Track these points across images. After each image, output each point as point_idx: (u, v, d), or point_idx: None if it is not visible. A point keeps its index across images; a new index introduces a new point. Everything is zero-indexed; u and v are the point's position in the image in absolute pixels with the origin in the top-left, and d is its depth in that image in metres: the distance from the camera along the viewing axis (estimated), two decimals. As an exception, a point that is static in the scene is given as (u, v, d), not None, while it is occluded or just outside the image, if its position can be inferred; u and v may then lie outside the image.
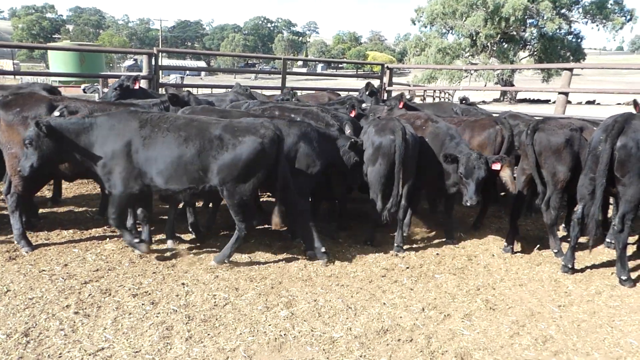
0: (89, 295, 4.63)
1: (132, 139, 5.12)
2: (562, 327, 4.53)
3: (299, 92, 13.25)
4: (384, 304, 4.82)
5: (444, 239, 6.80)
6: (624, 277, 5.45)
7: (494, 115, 8.56)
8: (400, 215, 6.26)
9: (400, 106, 8.04)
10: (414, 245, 6.54)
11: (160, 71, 11.09)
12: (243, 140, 5.16)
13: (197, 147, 5.11)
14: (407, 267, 5.79)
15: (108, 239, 6.14)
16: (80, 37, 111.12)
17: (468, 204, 5.82)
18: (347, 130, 6.86)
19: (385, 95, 12.93)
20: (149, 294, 4.74)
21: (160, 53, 10.34)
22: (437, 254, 6.29)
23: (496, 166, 5.90)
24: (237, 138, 5.16)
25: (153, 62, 9.57)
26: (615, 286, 5.46)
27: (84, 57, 33.69)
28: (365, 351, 3.98)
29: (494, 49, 49.56)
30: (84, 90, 27.06)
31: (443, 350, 4.04)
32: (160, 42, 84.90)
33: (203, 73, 77.73)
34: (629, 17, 49.53)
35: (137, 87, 7.96)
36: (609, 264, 6.10)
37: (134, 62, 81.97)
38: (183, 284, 5.02)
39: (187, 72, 67.85)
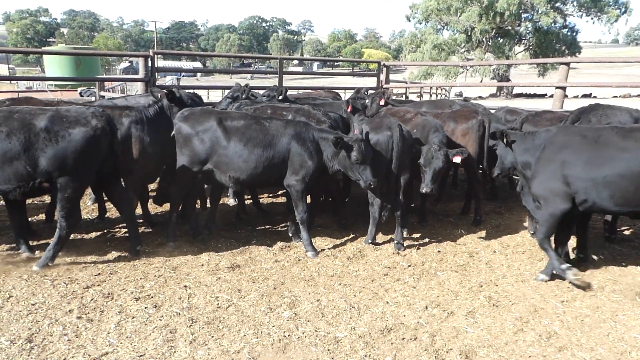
0: (92, 299, 4.61)
1: None
2: (565, 322, 4.52)
3: (295, 92, 13.22)
4: (387, 302, 4.82)
5: (444, 236, 6.81)
6: None
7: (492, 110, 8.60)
8: (399, 212, 6.26)
9: (381, 102, 8.09)
10: (415, 243, 6.54)
11: (157, 73, 11.08)
12: (72, 132, 5.00)
13: (21, 142, 4.84)
14: (409, 265, 5.78)
15: (109, 242, 6.13)
16: (75, 40, 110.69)
17: (423, 191, 6.14)
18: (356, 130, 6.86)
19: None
20: (152, 297, 4.73)
21: (156, 55, 10.31)
22: (439, 251, 6.29)
23: (457, 159, 6.17)
24: (67, 130, 5.00)
25: (149, 64, 9.53)
26: (618, 280, 5.46)
27: (80, 60, 33.59)
28: (369, 350, 3.97)
29: (490, 44, 49.57)
30: (80, 93, 27.06)
31: (447, 349, 4.04)
32: (155, 43, 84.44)
33: (199, 74, 77.60)
34: (623, 9, 49.61)
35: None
36: (611, 258, 6.10)
37: (130, 64, 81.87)
38: (185, 286, 5.01)
39: (183, 73, 67.71)
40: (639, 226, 7.35)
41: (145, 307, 4.51)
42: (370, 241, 6.39)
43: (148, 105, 6.42)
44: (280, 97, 8.27)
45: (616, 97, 41.09)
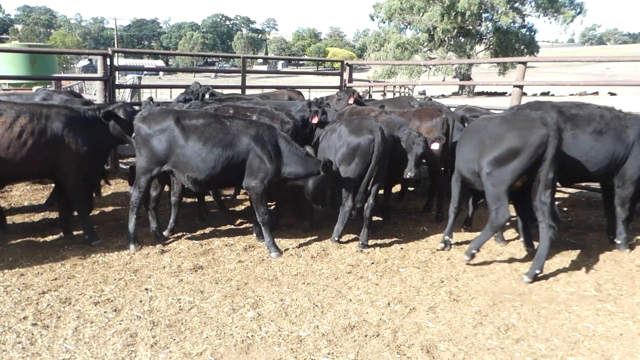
0: (48, 305, 4.49)
1: None
2: (522, 314, 4.65)
3: (259, 90, 13.15)
4: (351, 300, 4.85)
5: (407, 233, 6.91)
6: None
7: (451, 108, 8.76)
8: (368, 214, 6.25)
9: (351, 101, 8.11)
10: (379, 241, 6.60)
11: (117, 72, 10.83)
12: None
13: None
14: (372, 263, 5.84)
15: (67, 246, 5.97)
16: (30, 37, 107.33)
17: (407, 176, 6.28)
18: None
19: (346, 91, 12.97)
20: (111, 301, 4.64)
21: (115, 53, 10.08)
22: (402, 248, 6.37)
23: (435, 145, 6.37)
24: None
25: (108, 63, 9.31)
26: (572, 273, 5.65)
27: (35, 58, 32.56)
28: (332, 348, 3.99)
29: (451, 43, 50.45)
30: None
31: (409, 344, 4.10)
32: (115, 41, 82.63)
33: (161, 73, 76.36)
34: (578, 10, 51.25)
35: None
36: (566, 252, 6.30)
37: (90, 62, 79.84)
38: (147, 289, 4.93)
39: (145, 72, 66.51)
40: (592, 220, 7.62)
41: (105, 312, 4.41)
42: (336, 239, 6.40)
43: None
44: (205, 98, 8.16)
45: (573, 94, 42.46)
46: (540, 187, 5.27)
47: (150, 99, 9.47)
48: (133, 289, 4.92)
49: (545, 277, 5.52)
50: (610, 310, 4.76)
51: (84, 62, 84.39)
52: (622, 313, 4.70)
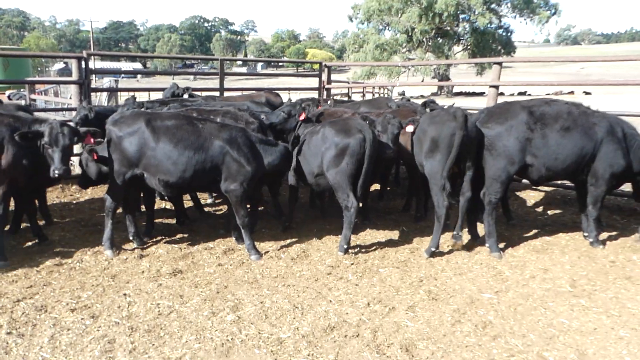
0: (23, 313, 4.42)
1: None
2: (500, 312, 4.72)
3: (238, 92, 13.11)
4: (331, 301, 4.87)
5: (386, 233, 6.96)
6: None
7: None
8: (353, 218, 6.10)
9: (301, 118, 7.85)
10: (358, 241, 6.64)
11: (94, 75, 10.69)
12: None
13: None
14: (352, 264, 5.86)
15: (43, 252, 5.88)
16: (2, 40, 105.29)
17: (389, 153, 6.46)
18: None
19: (325, 93, 13.02)
20: (89, 307, 4.59)
21: (90, 56, 9.96)
22: (381, 248, 6.41)
23: (409, 128, 6.60)
24: None
25: (83, 66, 9.19)
26: (548, 269, 5.75)
27: (8, 61, 31.98)
28: (312, 350, 4.01)
29: (430, 44, 50.86)
30: (9, 97, 25.75)
31: (389, 343, 4.13)
32: (91, 44, 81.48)
33: (139, 75, 75.54)
34: (553, 10, 52.04)
35: None
36: (542, 249, 6.41)
37: (65, 65, 78.60)
38: (125, 294, 4.89)
39: (122, 75, 65.74)
40: (567, 217, 7.75)
41: (82, 318, 4.36)
42: (345, 247, 6.12)
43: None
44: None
45: (549, 94, 43.16)
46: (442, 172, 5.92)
47: (133, 97, 9.38)
48: (111, 294, 4.87)
49: (522, 274, 5.62)
50: (585, 305, 4.86)
51: (59, 65, 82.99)
52: (596, 308, 4.80)
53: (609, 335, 4.32)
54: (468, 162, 6.07)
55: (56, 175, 5.28)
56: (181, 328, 4.28)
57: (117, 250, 5.93)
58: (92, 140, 5.69)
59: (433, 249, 6.09)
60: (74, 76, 9.18)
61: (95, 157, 6.24)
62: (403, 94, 44.26)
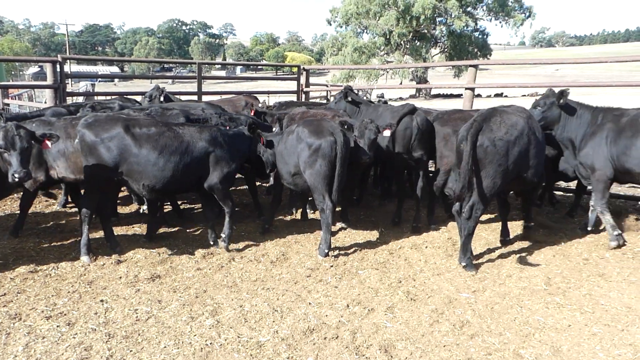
0: (-3, 322, 4.34)
1: None
2: (477, 311, 4.79)
3: (217, 97, 13.08)
4: (310, 303, 4.89)
5: (365, 235, 7.00)
6: (464, 264, 5.79)
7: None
8: (330, 220, 6.10)
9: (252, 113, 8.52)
10: (338, 244, 6.66)
11: (70, 79, 10.55)
12: None
13: None
14: (331, 266, 5.88)
15: (17, 259, 5.78)
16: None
17: (363, 160, 6.37)
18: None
19: (303, 96, 13.07)
20: (65, 314, 4.52)
21: (65, 60, 9.84)
22: (360, 250, 6.44)
23: (386, 132, 6.62)
24: None
25: (58, 70, 9.08)
26: (524, 268, 5.84)
27: (-19, 65, 31.39)
28: (292, 352, 4.01)
29: (407, 47, 51.27)
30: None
31: (368, 344, 4.16)
32: (67, 47, 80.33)
33: (117, 79, 74.68)
34: (528, 13, 52.89)
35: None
36: (518, 249, 6.52)
37: (40, 68, 77.28)
38: (102, 300, 4.83)
39: (99, 79, 64.86)
40: (542, 217, 7.89)
41: (58, 326, 4.30)
42: (326, 251, 6.11)
43: None
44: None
45: (525, 95, 43.88)
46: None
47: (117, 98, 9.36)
48: (88, 301, 4.81)
49: (499, 273, 5.70)
50: (559, 302, 4.95)
51: (34, 69, 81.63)
52: (570, 305, 4.91)
53: (582, 331, 4.42)
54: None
55: (16, 180, 5.09)
56: (159, 333, 4.25)
57: (94, 256, 5.85)
58: (49, 144, 5.54)
59: None
60: (49, 80, 9.08)
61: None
62: (382, 96, 44.55)
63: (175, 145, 5.76)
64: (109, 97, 10.00)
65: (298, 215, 7.88)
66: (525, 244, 6.67)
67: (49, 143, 5.46)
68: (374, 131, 6.41)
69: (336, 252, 6.33)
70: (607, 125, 6.38)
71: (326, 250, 6.12)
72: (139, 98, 10.16)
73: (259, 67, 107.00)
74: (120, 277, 5.40)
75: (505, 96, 45.55)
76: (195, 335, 4.24)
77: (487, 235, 7.07)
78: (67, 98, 9.99)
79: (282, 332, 4.32)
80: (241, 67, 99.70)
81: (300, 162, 6.13)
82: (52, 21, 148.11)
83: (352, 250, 6.45)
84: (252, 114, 8.70)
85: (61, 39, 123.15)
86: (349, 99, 8.30)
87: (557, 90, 6.83)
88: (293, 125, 6.67)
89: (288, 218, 7.88)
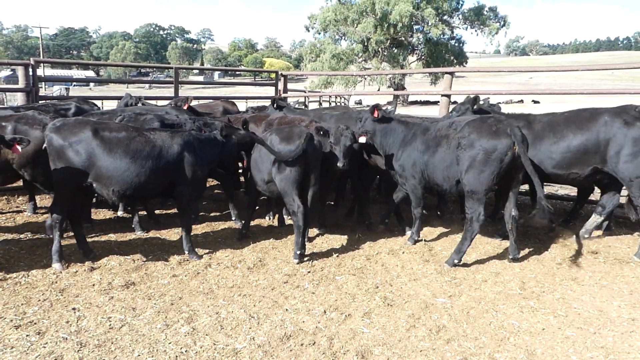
0: (-36, 331, 4.21)
1: None
2: (453, 315, 4.82)
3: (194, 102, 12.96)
4: (287, 310, 4.86)
5: (343, 241, 7.00)
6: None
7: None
8: (301, 222, 6.13)
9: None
10: (315, 250, 6.65)
11: (44, 83, 10.36)
12: None
13: None
14: (309, 272, 5.87)
15: (-15, 267, 5.63)
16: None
17: (339, 166, 6.32)
18: None
19: (282, 102, 13.05)
20: (35, 323, 4.41)
21: (38, 64, 9.66)
22: (337, 255, 6.43)
23: (362, 139, 6.62)
24: None
25: (31, 73, 8.90)
26: (499, 273, 5.91)
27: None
28: (268, 359, 3.98)
29: (385, 54, 51.74)
30: (-48, 105, 24.61)
31: (345, 350, 4.14)
32: (41, 51, 79.00)
33: (92, 84, 73.59)
34: (502, 22, 53.94)
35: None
36: (494, 254, 6.59)
37: (12, 72, 75.74)
38: (74, 309, 4.72)
39: (74, 83, 63.84)
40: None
41: (27, 335, 4.19)
42: (299, 253, 6.14)
43: None
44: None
45: (500, 102, 44.60)
46: None
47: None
48: (59, 309, 4.70)
49: (475, 278, 5.76)
50: (534, 306, 5.02)
51: (6, 72, 79.97)
52: (544, 309, 4.97)
53: (556, 335, 4.48)
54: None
55: None
56: (133, 342, 4.17)
57: (66, 263, 5.73)
58: (19, 148, 5.41)
59: None
60: (21, 84, 8.90)
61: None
62: (360, 102, 44.79)
63: (146, 150, 5.69)
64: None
65: (275, 222, 7.85)
66: (500, 249, 6.75)
67: (19, 147, 5.35)
68: (350, 138, 6.41)
69: (313, 258, 6.32)
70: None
71: (299, 253, 6.16)
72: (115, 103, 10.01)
73: (237, 72, 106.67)
74: (94, 285, 5.30)
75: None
76: (170, 343, 4.17)
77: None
78: (41, 102, 9.79)
79: (259, 338, 4.29)
80: (219, 72, 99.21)
81: (272, 168, 6.17)
82: (25, 24, 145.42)
83: (329, 255, 6.44)
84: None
85: (35, 42, 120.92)
86: (275, 106, 8.95)
87: (472, 96, 7.26)
88: (266, 133, 6.69)
89: (265, 224, 7.84)
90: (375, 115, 6.82)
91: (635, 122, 6.15)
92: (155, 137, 5.85)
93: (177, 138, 5.94)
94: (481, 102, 8.39)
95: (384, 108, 7.00)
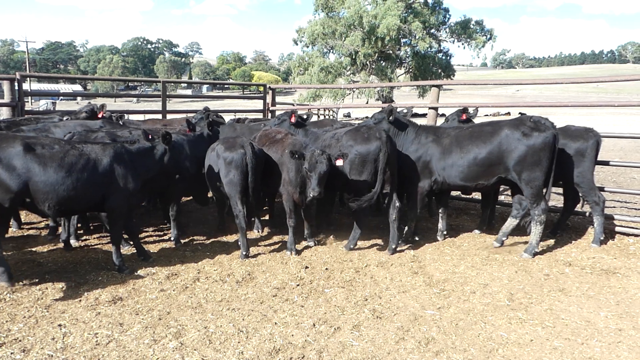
0: (-53, 350, 4.14)
1: None
2: (442, 327, 4.82)
3: (183, 115, 12.94)
4: (276, 323, 4.83)
5: (331, 254, 7.00)
6: None
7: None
8: (243, 224, 6.75)
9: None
10: (304, 262, 6.63)
11: (30, 97, 10.28)
12: None
13: None
14: (298, 285, 5.85)
15: (-31, 284, 5.54)
16: None
17: (311, 195, 6.41)
18: None
19: (270, 115, 13.08)
20: (20, 340, 4.34)
21: (24, 78, 9.61)
22: (326, 268, 6.43)
23: (339, 162, 6.54)
24: None
25: (16, 88, 8.86)
26: (487, 285, 5.93)
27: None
28: (257, 374, 3.95)
29: (373, 67, 52.10)
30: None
31: (334, 363, 4.13)
32: (27, 65, 78.63)
33: (79, 98, 73.22)
34: (489, 36, 54.59)
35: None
36: (481, 264, 6.63)
37: (-1, 87, 75.19)
38: (60, 325, 4.66)
39: (61, 97, 63.50)
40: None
41: (12, 353, 4.12)
42: (244, 253, 6.76)
43: None
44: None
45: (487, 115, 45.10)
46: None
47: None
48: (45, 326, 4.64)
49: (463, 290, 5.77)
50: (522, 318, 5.04)
51: (-8, 86, 79.42)
52: (532, 320, 4.99)
53: (544, 346, 4.50)
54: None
55: None
56: (120, 358, 4.13)
57: (50, 277, 5.65)
58: None
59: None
60: (6, 98, 8.84)
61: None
62: (349, 115, 45.01)
63: (79, 163, 5.59)
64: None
65: (264, 233, 7.84)
66: (488, 260, 6.79)
67: None
68: (325, 163, 6.33)
69: (303, 270, 6.31)
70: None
71: (244, 253, 6.77)
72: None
73: (226, 86, 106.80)
74: (80, 300, 5.24)
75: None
76: (158, 358, 4.13)
77: (450, 251, 7.16)
78: (26, 116, 9.72)
79: (248, 353, 4.26)
80: (207, 86, 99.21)
81: (221, 175, 6.79)
82: (11, 38, 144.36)
83: (318, 268, 6.43)
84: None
85: (21, 57, 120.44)
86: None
87: (390, 108, 7.28)
88: (215, 144, 7.23)
89: (254, 237, 7.82)
90: (391, 117, 7.23)
91: (532, 133, 6.60)
92: (88, 149, 5.78)
93: (108, 150, 5.91)
94: (471, 112, 8.56)
95: (397, 110, 7.43)
